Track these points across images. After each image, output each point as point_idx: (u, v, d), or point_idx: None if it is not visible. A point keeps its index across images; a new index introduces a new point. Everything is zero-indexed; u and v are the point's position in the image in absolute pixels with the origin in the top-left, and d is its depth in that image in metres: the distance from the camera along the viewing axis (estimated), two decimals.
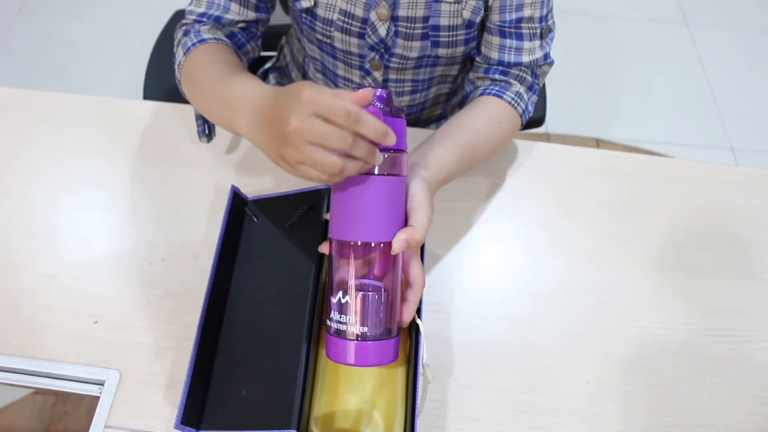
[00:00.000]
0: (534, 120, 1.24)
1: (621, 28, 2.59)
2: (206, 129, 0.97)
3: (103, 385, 0.83)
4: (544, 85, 1.24)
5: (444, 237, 0.96)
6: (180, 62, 0.91)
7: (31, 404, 1.66)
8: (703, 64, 2.48)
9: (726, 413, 0.84)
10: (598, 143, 2.23)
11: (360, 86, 0.58)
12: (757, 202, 1.03)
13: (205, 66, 0.87)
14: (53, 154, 1.03)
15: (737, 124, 2.32)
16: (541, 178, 1.04)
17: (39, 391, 1.72)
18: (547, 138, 2.20)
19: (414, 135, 1.06)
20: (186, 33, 0.92)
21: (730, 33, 2.61)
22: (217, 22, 0.93)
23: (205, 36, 0.90)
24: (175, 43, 0.94)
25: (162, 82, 1.18)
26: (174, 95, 1.15)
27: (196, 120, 0.96)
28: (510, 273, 0.95)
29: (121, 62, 2.36)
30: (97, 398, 0.82)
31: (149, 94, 1.16)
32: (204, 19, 0.93)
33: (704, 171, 1.06)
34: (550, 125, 2.20)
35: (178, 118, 1.07)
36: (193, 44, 0.89)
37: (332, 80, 1.08)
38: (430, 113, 1.17)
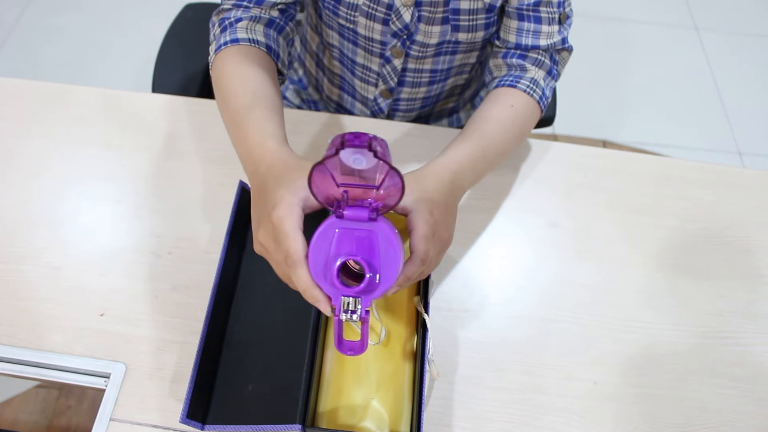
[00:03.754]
0: (544, 119, 1.23)
1: (631, 31, 2.58)
2: None
3: (108, 378, 0.83)
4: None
5: (455, 237, 0.96)
6: (211, 59, 0.90)
7: (35, 398, 1.66)
8: (711, 68, 2.48)
9: (734, 415, 0.84)
10: (605, 145, 2.22)
11: (354, 133, 0.54)
12: (766, 204, 1.03)
13: (229, 84, 0.85)
14: (61, 146, 1.03)
15: (745, 128, 2.31)
16: (552, 178, 1.03)
17: (42, 385, 1.72)
18: (555, 139, 2.20)
19: (423, 133, 1.06)
20: (222, 27, 0.89)
21: (739, 38, 2.60)
22: (259, 4, 0.91)
23: (240, 36, 0.87)
24: (211, 32, 0.92)
25: (171, 76, 1.18)
26: (183, 89, 1.15)
27: None
28: (519, 272, 0.94)
29: (129, 56, 2.36)
30: (103, 391, 0.82)
31: (158, 87, 1.16)
32: (245, 3, 0.90)
33: (714, 173, 1.06)
34: (557, 126, 2.19)
35: (187, 111, 1.07)
36: (225, 43, 0.87)
37: (350, 68, 1.08)
38: (444, 105, 1.17)
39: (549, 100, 0.95)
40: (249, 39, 0.88)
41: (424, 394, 0.71)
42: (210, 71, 0.91)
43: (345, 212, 0.61)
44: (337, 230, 0.61)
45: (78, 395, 1.67)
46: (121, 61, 2.36)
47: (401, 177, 0.56)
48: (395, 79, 1.04)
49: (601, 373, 0.86)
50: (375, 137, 0.54)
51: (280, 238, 0.64)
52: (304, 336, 0.75)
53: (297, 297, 0.79)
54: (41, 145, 1.03)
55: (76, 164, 1.01)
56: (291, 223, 0.64)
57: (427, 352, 0.74)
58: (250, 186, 0.76)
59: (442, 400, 0.83)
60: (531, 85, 0.92)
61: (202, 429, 0.74)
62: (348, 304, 0.61)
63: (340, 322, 0.62)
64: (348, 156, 0.55)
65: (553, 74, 0.95)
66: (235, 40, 0.87)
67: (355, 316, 0.60)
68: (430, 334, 0.75)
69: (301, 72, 1.23)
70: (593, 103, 2.36)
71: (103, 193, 0.99)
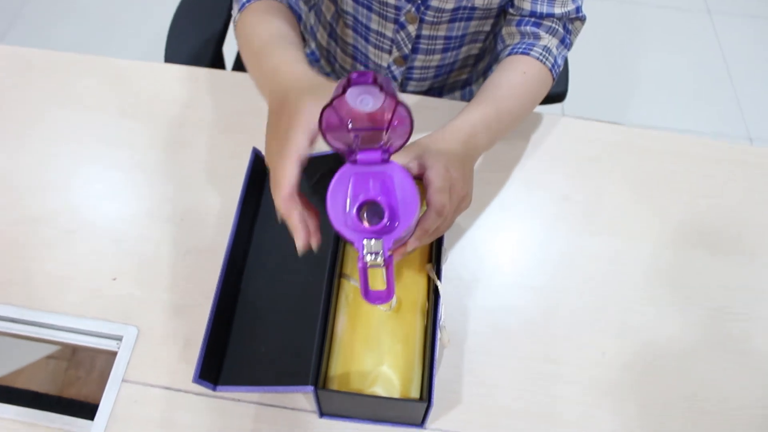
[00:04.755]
0: (556, 94, 1.23)
1: (643, 14, 2.57)
2: None
3: (121, 340, 0.84)
4: (567, 61, 1.23)
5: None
6: (235, 19, 0.90)
7: (44, 368, 1.66)
8: (723, 52, 2.46)
9: (742, 389, 0.84)
10: None
11: (359, 72, 0.55)
12: None
13: (253, 30, 0.87)
14: (77, 114, 1.03)
15: (756, 114, 2.30)
16: (565, 152, 1.03)
17: (52, 356, 1.73)
18: None
19: (436, 105, 1.06)
20: None
21: (751, 21, 2.58)
22: None
23: None
24: None
25: (184, 46, 1.18)
26: (196, 59, 1.15)
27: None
28: (529, 243, 0.95)
29: (141, 28, 2.37)
30: (115, 353, 0.83)
31: (171, 57, 1.16)
32: None
33: (724, 150, 1.06)
34: (567, 108, 2.19)
35: (200, 81, 1.07)
36: (248, 0, 0.89)
37: (364, 35, 1.08)
38: (457, 76, 1.17)
39: (561, 69, 0.96)
40: None
41: (436, 360, 0.72)
42: (234, 31, 0.92)
43: (358, 157, 0.61)
44: (352, 175, 0.62)
45: (87, 367, 1.68)
46: (132, 34, 2.36)
47: (408, 110, 0.57)
48: (409, 46, 1.04)
49: (611, 344, 0.86)
50: (379, 74, 0.55)
51: (281, 162, 0.64)
52: (316, 300, 0.75)
53: (310, 261, 0.80)
54: (58, 114, 1.03)
55: (91, 132, 1.01)
56: (299, 138, 0.64)
57: (438, 318, 0.74)
58: (268, 103, 0.75)
59: (452, 368, 0.83)
60: (544, 53, 0.92)
61: (214, 389, 0.75)
62: (371, 246, 0.61)
63: (365, 271, 0.62)
64: (355, 98, 0.55)
65: (566, 43, 0.95)
66: None
67: (378, 258, 0.60)
68: (442, 300, 0.75)
69: (313, 45, 1.23)
70: (604, 86, 2.35)
71: (117, 160, 0.99)
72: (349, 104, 0.56)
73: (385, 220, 0.60)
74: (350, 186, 0.61)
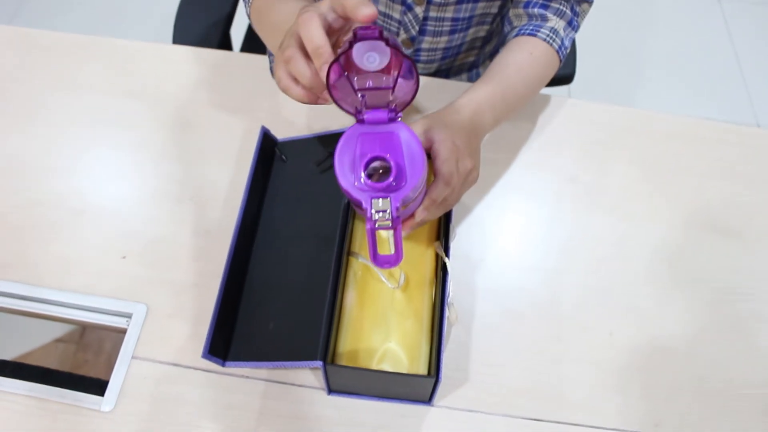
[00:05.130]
0: (564, 76, 1.23)
1: None
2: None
3: (130, 318, 0.84)
4: (575, 43, 1.22)
5: (473, 187, 0.96)
6: (247, 12, 0.91)
7: (54, 351, 1.68)
8: (732, 38, 2.45)
9: (748, 371, 0.84)
10: None
11: (365, 26, 0.55)
12: None
13: (270, 4, 0.87)
14: (84, 96, 1.03)
15: (764, 99, 2.29)
16: (572, 134, 1.03)
17: (61, 339, 1.75)
18: None
19: (442, 87, 1.06)
20: None
21: (761, 7, 2.56)
22: None
23: None
24: None
25: (192, 29, 1.18)
26: (204, 41, 1.15)
27: (269, 56, 0.99)
28: (536, 224, 0.95)
29: (148, 12, 2.36)
30: (124, 331, 0.84)
31: (179, 39, 1.16)
32: None
33: (734, 133, 1.05)
34: (573, 92, 2.18)
35: (208, 63, 1.07)
36: None
37: None
38: (464, 59, 1.17)
39: (568, 51, 0.96)
40: None
41: (444, 336, 0.72)
42: (248, 10, 0.92)
43: (365, 116, 0.62)
44: (359, 135, 0.62)
45: (95, 349, 1.69)
46: (140, 17, 2.36)
47: (414, 65, 0.57)
48: (416, 28, 1.04)
49: (617, 325, 0.86)
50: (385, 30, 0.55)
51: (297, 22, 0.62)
52: (324, 277, 0.76)
53: (318, 238, 0.80)
54: (64, 96, 1.03)
55: (98, 114, 1.02)
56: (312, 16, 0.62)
57: (446, 295, 0.75)
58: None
59: (459, 346, 0.83)
60: (551, 34, 0.92)
61: (223, 365, 0.76)
62: (378, 204, 0.61)
63: (373, 234, 0.62)
64: (361, 55, 0.56)
65: (573, 25, 0.95)
66: None
67: (386, 216, 0.60)
68: (450, 277, 0.76)
69: None
70: (611, 71, 2.34)
71: (125, 141, 0.99)
72: (356, 62, 0.56)
73: (392, 177, 0.60)
74: (357, 145, 0.62)
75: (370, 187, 0.61)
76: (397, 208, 0.61)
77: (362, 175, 0.60)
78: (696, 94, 2.30)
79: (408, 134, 0.63)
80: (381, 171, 0.64)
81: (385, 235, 0.67)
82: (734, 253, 0.93)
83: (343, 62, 0.57)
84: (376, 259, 0.64)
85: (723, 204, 0.98)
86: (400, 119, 0.63)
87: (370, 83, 0.59)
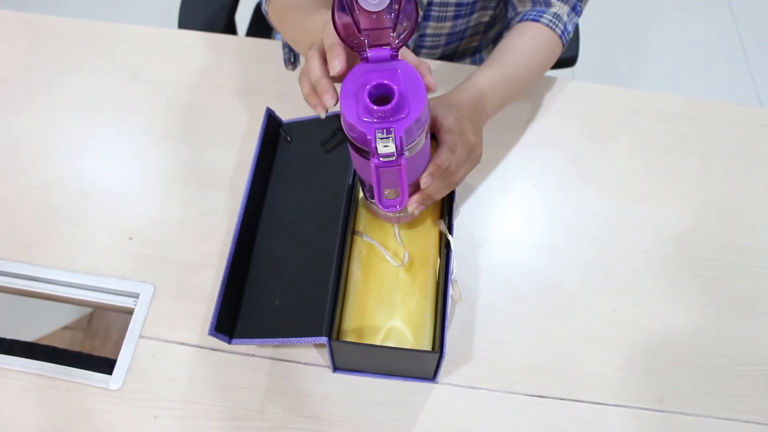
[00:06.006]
0: (567, 59, 1.23)
1: None
2: (291, 57, 1.00)
3: (137, 297, 0.85)
4: (578, 27, 1.22)
5: (476, 168, 0.96)
6: (265, 9, 0.93)
7: (61, 339, 1.69)
8: (736, 22, 2.44)
9: (750, 347, 0.85)
10: None
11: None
12: None
13: (293, 2, 0.88)
14: (92, 80, 1.04)
15: None
16: (575, 115, 1.03)
17: (68, 326, 1.76)
18: None
19: (446, 70, 1.06)
20: None
21: None
22: None
23: None
24: None
25: (197, 13, 1.19)
26: (209, 26, 1.15)
27: (283, 48, 1.00)
28: (540, 204, 0.95)
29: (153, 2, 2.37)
30: (132, 310, 0.85)
31: (184, 24, 1.17)
32: None
33: (736, 114, 1.05)
34: (577, 75, 2.18)
35: (213, 47, 1.08)
36: None
37: None
38: (468, 44, 1.17)
39: (571, 36, 0.96)
40: None
41: (447, 313, 0.73)
42: (265, 7, 0.94)
43: (369, 54, 0.63)
44: (363, 71, 0.63)
45: (102, 337, 1.71)
46: (145, 4, 2.36)
47: None
48: (420, 13, 1.04)
49: (620, 301, 0.87)
50: None
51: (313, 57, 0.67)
52: (329, 256, 0.76)
53: (323, 217, 0.81)
54: (71, 80, 1.04)
55: (106, 96, 1.03)
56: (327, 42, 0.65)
57: (450, 272, 0.75)
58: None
59: (463, 324, 0.84)
60: (553, 20, 0.93)
61: (230, 342, 0.77)
62: (383, 134, 0.61)
63: (378, 172, 0.62)
64: None
65: (576, 10, 0.96)
66: None
67: (390, 144, 0.61)
68: (453, 254, 0.76)
69: None
70: (615, 55, 2.33)
71: (132, 124, 1.00)
72: (362, 8, 0.59)
73: (396, 100, 0.60)
74: (361, 79, 0.63)
75: (374, 114, 0.61)
76: (401, 138, 0.61)
77: (366, 100, 0.61)
78: (700, 77, 2.29)
79: (409, 68, 0.64)
80: (385, 100, 0.65)
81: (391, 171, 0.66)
82: (736, 232, 0.94)
83: (348, 1, 0.59)
84: (381, 201, 0.65)
85: (725, 184, 0.98)
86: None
87: (372, 22, 0.61)
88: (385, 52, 0.63)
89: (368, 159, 0.64)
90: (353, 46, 0.63)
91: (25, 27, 1.10)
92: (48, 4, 2.36)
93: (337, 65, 0.63)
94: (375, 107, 0.60)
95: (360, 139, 0.63)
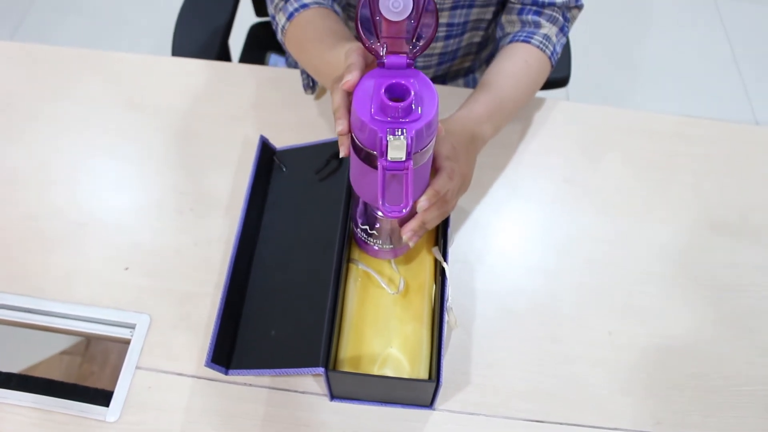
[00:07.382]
0: (559, 79, 1.23)
1: None
2: (310, 82, 1.02)
3: (134, 328, 0.85)
4: (569, 45, 1.23)
5: (469, 190, 0.97)
6: (283, 27, 0.93)
7: (59, 364, 1.69)
8: (729, 37, 2.45)
9: (747, 366, 0.85)
10: None
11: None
12: None
13: (313, 32, 0.90)
14: (85, 108, 1.05)
15: (762, 97, 2.29)
16: (568, 135, 1.04)
17: (66, 351, 1.76)
18: None
19: (439, 92, 1.07)
20: (285, 1, 0.94)
21: (756, 7, 2.57)
22: None
23: (307, 0, 0.92)
24: (273, 5, 0.96)
25: (191, 40, 1.19)
26: (202, 52, 1.16)
27: (301, 74, 1.02)
28: (534, 225, 0.96)
29: (148, 20, 2.38)
30: (128, 341, 0.84)
31: (178, 51, 1.18)
32: None
33: (727, 131, 1.06)
34: (570, 93, 2.19)
35: (208, 74, 1.08)
36: (296, 10, 0.92)
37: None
38: (461, 64, 1.18)
39: (559, 56, 0.98)
40: (316, 2, 0.93)
41: (444, 340, 0.73)
42: (281, 37, 0.95)
43: (385, 60, 0.64)
44: (379, 75, 0.65)
45: (100, 362, 1.70)
46: (139, 29, 2.38)
47: (435, 5, 0.62)
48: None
49: (616, 323, 0.87)
50: None
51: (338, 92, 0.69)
52: (325, 285, 0.76)
53: (318, 246, 0.81)
54: (66, 108, 1.05)
55: (99, 125, 1.03)
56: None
57: (446, 299, 0.76)
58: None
59: (459, 349, 0.84)
60: (544, 41, 0.94)
61: (227, 373, 0.77)
62: (395, 131, 0.61)
63: (384, 174, 0.62)
64: (387, 1, 0.60)
65: (564, 31, 0.97)
66: (305, 5, 0.92)
67: (401, 140, 0.61)
68: (449, 282, 0.76)
69: None
70: (607, 71, 2.35)
71: (126, 153, 1.00)
72: (381, 9, 0.61)
73: (411, 100, 0.61)
74: (377, 78, 0.64)
75: (387, 112, 0.61)
76: (412, 139, 0.61)
77: (382, 96, 0.61)
78: (693, 92, 2.31)
79: (423, 78, 0.65)
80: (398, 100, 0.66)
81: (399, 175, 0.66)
82: (731, 250, 0.94)
83: (371, 5, 0.61)
84: (384, 205, 0.64)
85: (719, 201, 0.98)
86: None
87: (392, 30, 0.63)
88: (402, 59, 0.64)
89: (374, 167, 0.64)
90: (371, 49, 0.65)
91: (16, 56, 1.11)
92: (41, 31, 2.37)
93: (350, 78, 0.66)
94: (390, 103, 0.61)
95: (369, 140, 0.63)
